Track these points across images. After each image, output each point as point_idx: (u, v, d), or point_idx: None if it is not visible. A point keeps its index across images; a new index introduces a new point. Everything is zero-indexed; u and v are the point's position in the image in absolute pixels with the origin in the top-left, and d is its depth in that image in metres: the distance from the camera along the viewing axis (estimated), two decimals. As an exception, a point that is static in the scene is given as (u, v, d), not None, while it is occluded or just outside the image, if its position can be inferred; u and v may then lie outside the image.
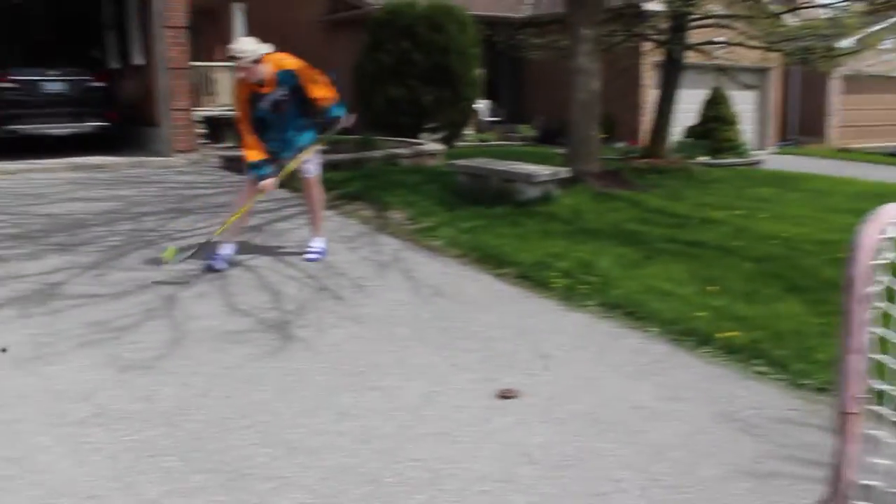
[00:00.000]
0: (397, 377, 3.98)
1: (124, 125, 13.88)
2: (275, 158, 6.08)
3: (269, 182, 5.98)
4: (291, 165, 6.13)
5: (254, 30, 21.72)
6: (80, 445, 3.25)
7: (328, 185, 8.82)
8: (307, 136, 6.15)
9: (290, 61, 5.94)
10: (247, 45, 5.80)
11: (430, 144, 12.49)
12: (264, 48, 5.81)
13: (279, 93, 5.91)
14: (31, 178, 10.92)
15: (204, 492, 2.93)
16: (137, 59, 14.19)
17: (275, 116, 6.00)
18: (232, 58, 5.76)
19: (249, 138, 5.95)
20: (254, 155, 5.94)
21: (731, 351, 4.34)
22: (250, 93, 5.90)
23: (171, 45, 12.57)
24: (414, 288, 5.50)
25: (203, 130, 15.65)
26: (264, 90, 5.89)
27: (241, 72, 5.80)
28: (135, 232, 7.14)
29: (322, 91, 5.98)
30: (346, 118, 6.12)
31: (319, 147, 6.26)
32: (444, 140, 15.20)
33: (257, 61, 5.76)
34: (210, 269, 5.81)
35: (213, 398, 3.71)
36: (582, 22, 9.08)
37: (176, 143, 12.86)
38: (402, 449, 3.25)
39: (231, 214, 6.04)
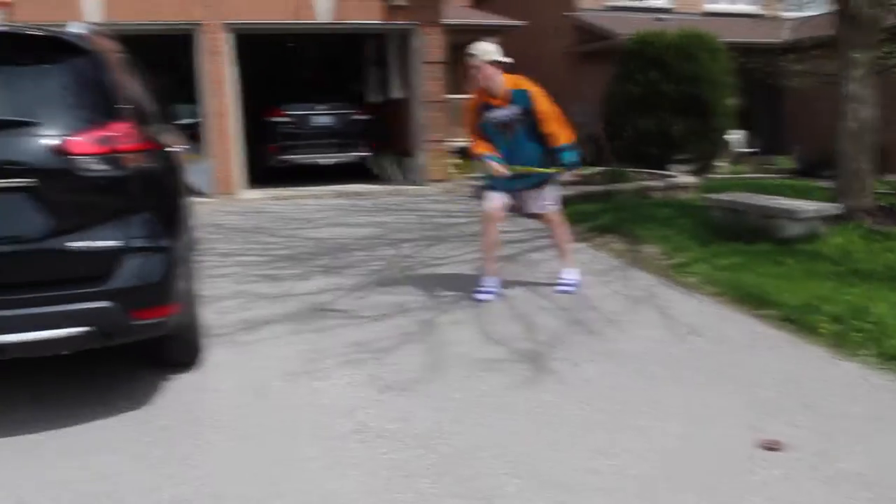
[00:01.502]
0: (652, 417, 3.84)
1: (383, 155, 14.71)
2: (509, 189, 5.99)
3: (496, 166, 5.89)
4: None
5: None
6: (342, 459, 3.42)
7: (579, 217, 8.83)
8: (542, 167, 5.97)
9: (527, 83, 5.88)
10: (484, 46, 5.83)
11: (683, 177, 12.14)
12: (501, 56, 5.80)
13: (511, 111, 5.81)
14: (300, 203, 11.83)
15: (458, 517, 2.97)
16: (396, 93, 15.00)
17: (502, 136, 5.88)
18: (468, 54, 5.79)
19: (476, 138, 5.98)
20: (483, 146, 5.92)
21: None
22: (481, 102, 5.88)
23: (428, 79, 13.18)
24: (668, 325, 5.31)
25: (457, 161, 16.22)
26: (496, 102, 5.83)
27: (473, 69, 5.79)
28: (394, 257, 7.48)
29: (556, 127, 5.86)
30: (573, 166, 5.99)
31: (556, 185, 6.16)
32: (694, 172, 14.72)
33: (491, 64, 5.74)
34: (479, 300, 5.89)
35: (466, 424, 3.77)
36: (854, 44, 8.44)
37: (431, 173, 13.42)
38: (658, 493, 3.12)
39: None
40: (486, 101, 5.86)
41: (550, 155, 5.93)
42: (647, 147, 14.60)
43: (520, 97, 5.83)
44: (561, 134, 5.89)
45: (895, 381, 4.33)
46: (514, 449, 3.51)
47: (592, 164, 16.54)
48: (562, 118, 5.96)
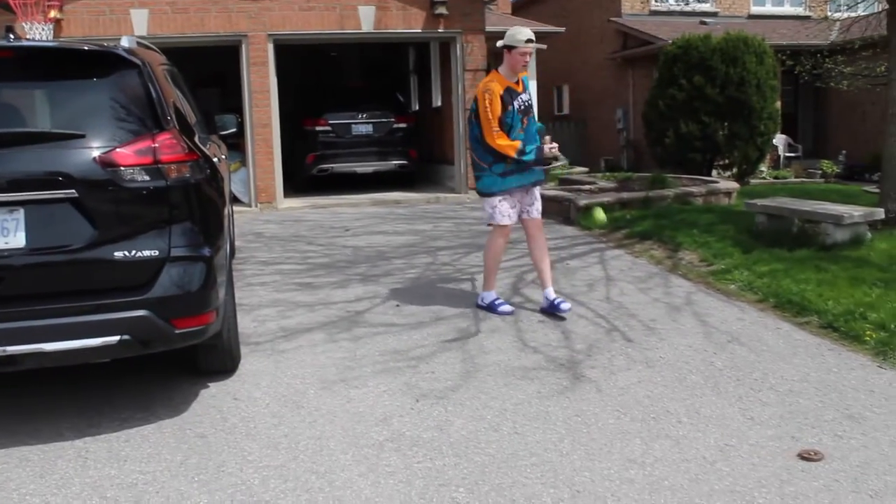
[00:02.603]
0: (689, 426, 3.80)
1: (421, 163, 14.75)
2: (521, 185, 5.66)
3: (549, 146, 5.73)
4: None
5: (543, 68, 22.22)
6: (377, 467, 3.43)
7: (619, 223, 8.78)
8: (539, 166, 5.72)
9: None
10: (528, 30, 5.58)
11: (724, 182, 11.99)
12: None
13: (527, 97, 5.62)
14: (338, 211, 11.92)
15: (491, 527, 2.96)
16: (437, 101, 15.05)
17: (521, 124, 5.57)
18: (529, 41, 5.43)
19: (501, 135, 5.47)
20: (509, 147, 5.48)
21: None
22: (507, 88, 5.52)
23: (469, 87, 13.19)
24: (707, 333, 5.25)
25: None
26: (518, 88, 5.58)
27: (527, 58, 5.51)
28: (431, 265, 7.50)
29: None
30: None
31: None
32: (737, 177, 14.54)
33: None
34: (507, 312, 5.73)
35: (502, 433, 3.76)
36: (905, 45, 8.27)
37: (470, 181, 13.42)
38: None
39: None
40: (510, 87, 5.56)
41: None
42: (690, 152, 14.48)
43: (526, 83, 5.71)
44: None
45: (942, 390, 4.23)
46: (549, 458, 3.49)
47: (632, 170, 16.45)
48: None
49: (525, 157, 5.56)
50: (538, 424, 3.85)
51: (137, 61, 3.94)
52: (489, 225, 5.83)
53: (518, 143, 5.52)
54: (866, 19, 14.55)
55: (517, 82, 5.61)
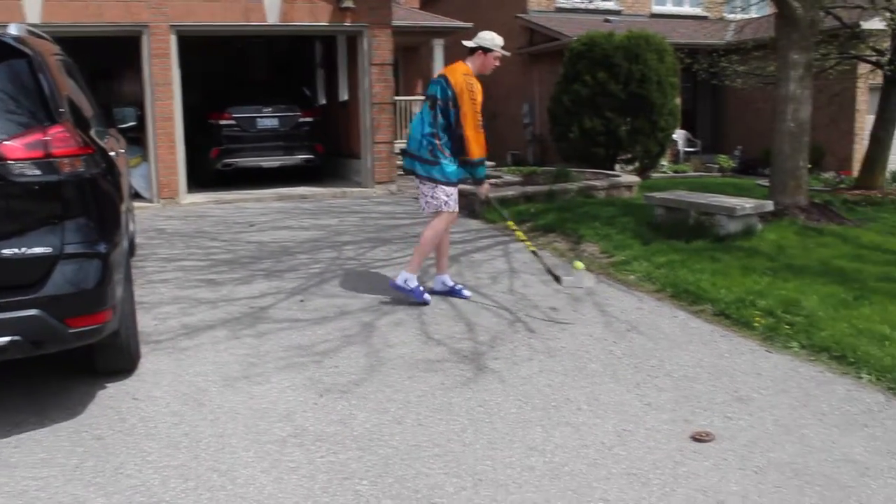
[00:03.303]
0: (589, 413, 3.91)
1: (328, 157, 14.64)
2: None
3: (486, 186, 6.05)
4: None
5: (453, 62, 22.23)
6: (280, 463, 3.41)
7: (523, 217, 8.91)
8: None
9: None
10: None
11: (626, 176, 12.30)
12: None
13: None
14: (243, 207, 11.74)
15: (394, 518, 2.98)
16: (343, 96, 14.96)
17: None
18: (503, 48, 5.82)
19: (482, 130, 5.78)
20: (482, 153, 5.79)
21: (960, 404, 3.95)
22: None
23: (376, 81, 13.16)
24: (607, 322, 5.40)
25: (401, 162, 16.21)
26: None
27: (497, 63, 5.89)
28: (336, 260, 7.47)
29: None
30: None
31: None
32: (639, 171, 14.93)
33: None
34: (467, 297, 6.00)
35: (405, 425, 3.79)
36: (792, 46, 8.64)
37: (376, 175, 13.41)
38: (591, 488, 3.17)
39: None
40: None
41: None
42: (594, 147, 14.77)
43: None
44: None
45: (824, 372, 4.46)
46: (452, 448, 3.54)
47: (538, 164, 16.71)
48: None
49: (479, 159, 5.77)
50: (441, 416, 3.89)
51: (27, 51, 3.80)
52: (436, 212, 5.86)
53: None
54: (758, 21, 15.17)
55: None
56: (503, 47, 5.84)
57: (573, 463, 3.39)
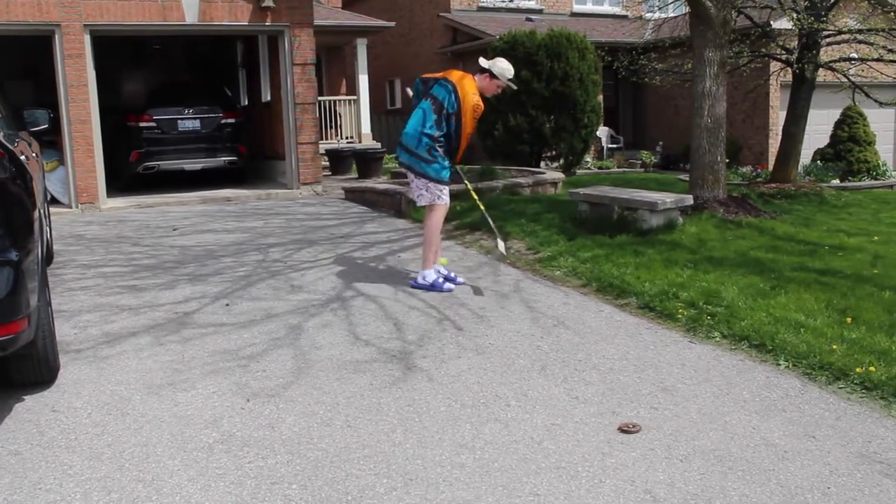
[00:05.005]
0: (518, 409, 3.94)
1: (252, 159, 14.45)
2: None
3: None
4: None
5: (376, 62, 22.26)
6: (207, 470, 3.34)
7: (449, 215, 8.91)
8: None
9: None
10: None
11: (551, 173, 12.44)
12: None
13: None
14: (166, 210, 11.50)
15: (324, 521, 2.95)
16: (266, 96, 14.78)
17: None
18: (510, 80, 6.27)
19: None
20: None
21: (869, 387, 4.10)
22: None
23: (298, 81, 13.03)
24: (534, 318, 5.45)
25: (326, 163, 16.10)
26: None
27: (499, 91, 6.29)
28: (262, 262, 7.37)
29: None
30: None
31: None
32: (564, 168, 15.12)
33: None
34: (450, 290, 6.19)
35: (334, 427, 3.76)
36: (707, 44, 8.86)
37: (301, 176, 13.28)
38: (521, 483, 3.19)
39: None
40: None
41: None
42: (519, 144, 14.89)
43: None
44: None
45: (744, 360, 4.59)
46: (382, 449, 3.52)
47: (464, 162, 16.76)
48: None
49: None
50: (371, 416, 3.87)
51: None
52: (430, 205, 6.26)
53: None
54: (675, 20, 15.49)
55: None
56: (510, 80, 6.27)
57: (503, 459, 3.41)
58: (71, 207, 11.84)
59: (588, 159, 17.81)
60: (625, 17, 21.31)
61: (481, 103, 6.13)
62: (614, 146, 20.62)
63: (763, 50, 13.63)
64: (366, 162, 15.65)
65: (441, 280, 6.21)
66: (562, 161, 15.46)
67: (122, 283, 6.70)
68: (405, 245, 7.92)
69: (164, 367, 4.59)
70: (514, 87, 6.51)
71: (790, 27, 12.56)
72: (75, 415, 3.96)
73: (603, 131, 19.22)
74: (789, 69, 13.01)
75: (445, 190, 6.23)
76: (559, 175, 12.08)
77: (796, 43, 12.85)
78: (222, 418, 3.87)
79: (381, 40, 22.68)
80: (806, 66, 12.36)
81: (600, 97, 15.93)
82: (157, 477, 3.30)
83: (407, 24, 22.13)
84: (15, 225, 3.82)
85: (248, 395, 4.15)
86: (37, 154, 6.44)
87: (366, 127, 18.69)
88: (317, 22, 13.55)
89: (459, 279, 6.38)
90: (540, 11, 21.05)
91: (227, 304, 5.88)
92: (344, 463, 3.39)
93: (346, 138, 18.57)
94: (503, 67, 6.24)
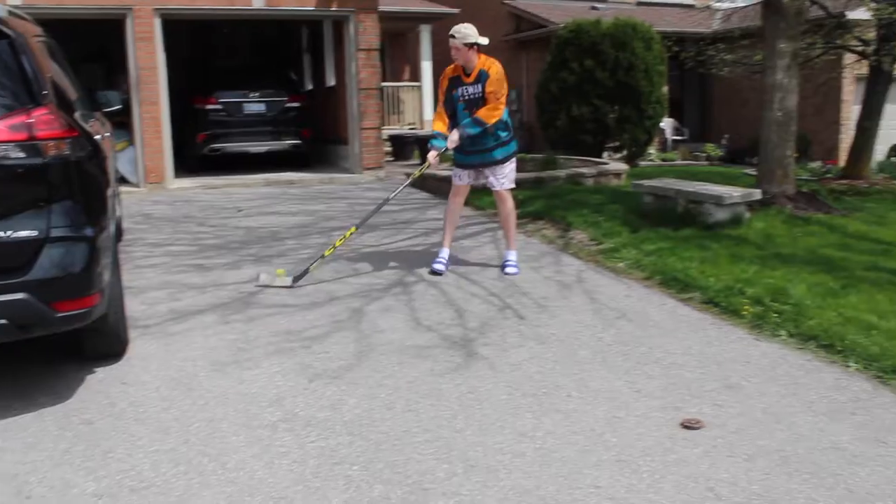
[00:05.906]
0: (579, 400, 3.92)
1: (315, 143, 14.58)
2: (469, 164, 6.32)
3: (432, 155, 6.31)
4: (422, 170, 6.60)
5: (439, 49, 22.20)
6: (270, 448, 3.40)
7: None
8: (503, 149, 6.30)
9: (494, 67, 6.10)
10: (465, 29, 6.06)
11: (614, 164, 12.31)
12: (479, 38, 6.03)
13: (477, 89, 6.06)
14: (230, 192, 11.68)
15: (385, 502, 2.98)
16: (330, 81, 14.88)
17: (467, 112, 6.12)
18: (451, 36, 6.01)
19: (439, 110, 6.27)
20: (439, 124, 6.23)
21: (946, 393, 3.98)
22: (455, 76, 6.14)
23: (363, 67, 13.09)
24: (597, 310, 5.40)
25: (389, 148, 16.15)
26: (467, 80, 6.09)
27: (452, 51, 6.02)
28: (325, 245, 7.43)
29: (485, 110, 6.07)
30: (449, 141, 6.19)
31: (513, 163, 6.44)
32: (626, 159, 14.94)
33: (469, 46, 6.00)
34: (433, 273, 6.26)
35: (396, 411, 3.79)
36: (779, 35, 8.66)
37: (364, 161, 13.36)
38: (582, 474, 3.18)
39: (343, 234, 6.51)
40: (459, 74, 6.13)
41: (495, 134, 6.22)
42: (581, 134, 14.77)
43: (483, 76, 6.06)
44: (483, 116, 6.06)
45: (812, 360, 4.49)
46: (442, 434, 3.54)
47: (525, 152, 16.68)
48: (499, 103, 6.12)
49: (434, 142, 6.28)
50: (431, 402, 3.89)
51: (10, 32, 3.75)
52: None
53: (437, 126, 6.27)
54: (745, 10, 15.17)
55: (468, 74, 6.12)
56: (457, 36, 6.03)
57: (563, 449, 3.39)
58: (139, 187, 12.10)
59: (651, 151, 17.57)
60: (692, 6, 20.92)
61: (445, 73, 6.21)
62: (678, 138, 20.29)
63: (837, 41, 13.25)
64: (428, 148, 15.66)
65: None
66: (625, 152, 15.28)
67: (188, 261, 6.84)
68: (467, 233, 7.91)
69: (229, 346, 4.68)
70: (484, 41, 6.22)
71: (867, 17, 12.19)
72: (144, 388, 4.06)
73: (667, 123, 18.93)
74: (864, 62, 12.65)
75: (455, 170, 6.41)
76: (623, 166, 11.94)
77: (874, 34, 12.47)
78: (285, 398, 3.93)
79: (445, 27, 22.67)
80: (884, 58, 11.99)
81: (665, 88, 15.70)
82: (223, 452, 3.37)
83: (470, 11, 22.04)
84: (91, 202, 3.92)
85: (311, 376, 4.21)
86: (109, 134, 6.59)
87: (428, 113, 18.69)
88: (381, 8, 13.58)
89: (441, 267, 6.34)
90: (605, 0, 20.80)
91: (290, 286, 5.91)
92: (405, 446, 3.42)
93: (409, 124, 18.62)
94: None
